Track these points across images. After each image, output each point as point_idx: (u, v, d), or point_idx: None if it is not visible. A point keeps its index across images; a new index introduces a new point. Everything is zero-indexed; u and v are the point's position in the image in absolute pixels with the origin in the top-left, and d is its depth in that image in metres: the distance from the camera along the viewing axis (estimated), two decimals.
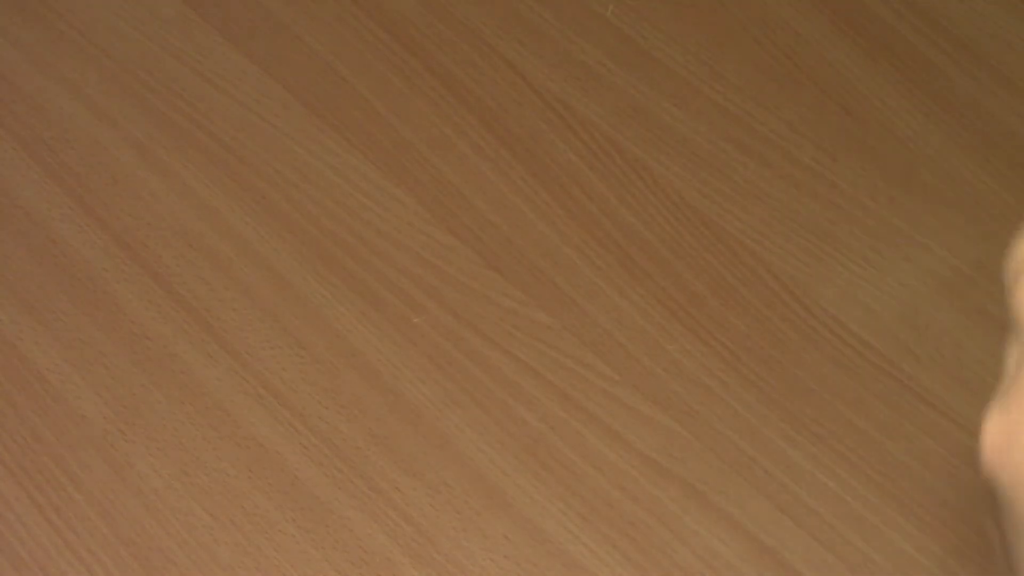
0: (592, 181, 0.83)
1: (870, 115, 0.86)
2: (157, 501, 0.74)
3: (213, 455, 0.75)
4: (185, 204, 0.82)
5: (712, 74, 0.87)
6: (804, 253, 0.82)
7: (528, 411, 0.77)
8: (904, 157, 0.85)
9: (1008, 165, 0.85)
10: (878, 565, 0.74)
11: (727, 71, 0.87)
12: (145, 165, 0.83)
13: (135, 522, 0.73)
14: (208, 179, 0.83)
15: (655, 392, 0.78)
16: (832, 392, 0.78)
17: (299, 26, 0.88)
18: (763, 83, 0.87)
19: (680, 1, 0.89)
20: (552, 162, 0.84)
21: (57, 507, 0.74)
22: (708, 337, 0.79)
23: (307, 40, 0.88)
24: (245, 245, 0.81)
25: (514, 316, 0.79)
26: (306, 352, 0.78)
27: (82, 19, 0.88)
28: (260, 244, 0.81)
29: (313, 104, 0.86)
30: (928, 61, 0.87)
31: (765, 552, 0.74)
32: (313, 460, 0.75)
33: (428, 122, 0.85)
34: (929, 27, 0.88)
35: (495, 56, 0.88)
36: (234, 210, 0.82)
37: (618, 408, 0.77)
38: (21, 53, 0.87)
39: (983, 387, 0.78)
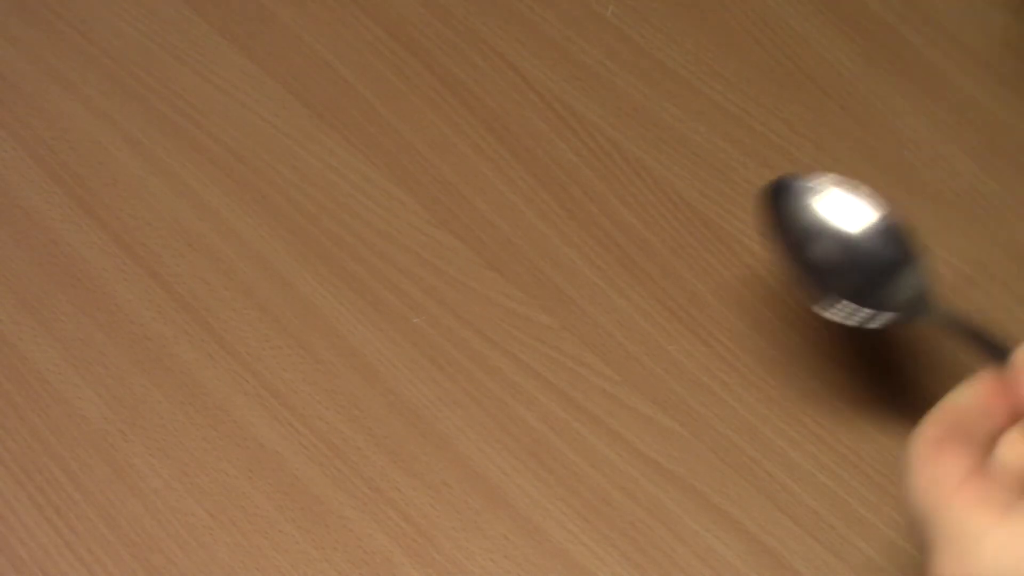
0: (592, 181, 0.83)
1: (870, 115, 0.86)
2: (157, 501, 0.74)
3: (213, 455, 0.75)
4: (185, 204, 0.82)
5: (712, 74, 0.87)
6: None
7: (528, 411, 0.77)
8: (904, 157, 0.85)
9: (1008, 165, 0.85)
10: (878, 565, 0.74)
11: (727, 71, 0.87)
12: (145, 165, 0.83)
13: (135, 522, 0.73)
14: (208, 179, 0.83)
15: (655, 392, 0.78)
16: (832, 392, 0.78)
17: (299, 26, 0.88)
18: (763, 83, 0.87)
19: (680, 1, 0.89)
20: (552, 162, 0.84)
21: (57, 507, 0.74)
22: (708, 337, 0.79)
23: (307, 40, 0.88)
24: (245, 245, 0.81)
25: (514, 316, 0.79)
26: (306, 352, 0.78)
27: (82, 19, 0.88)
28: (260, 244, 0.81)
29: (313, 104, 0.86)
30: (928, 61, 0.87)
31: (765, 552, 0.74)
32: (313, 460, 0.75)
33: (428, 122, 0.85)
34: (929, 27, 0.88)
35: (495, 56, 0.88)
36: (234, 210, 0.82)
37: (618, 408, 0.77)
38: (21, 53, 0.87)
39: None
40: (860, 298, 0.66)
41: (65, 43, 0.87)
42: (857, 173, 0.84)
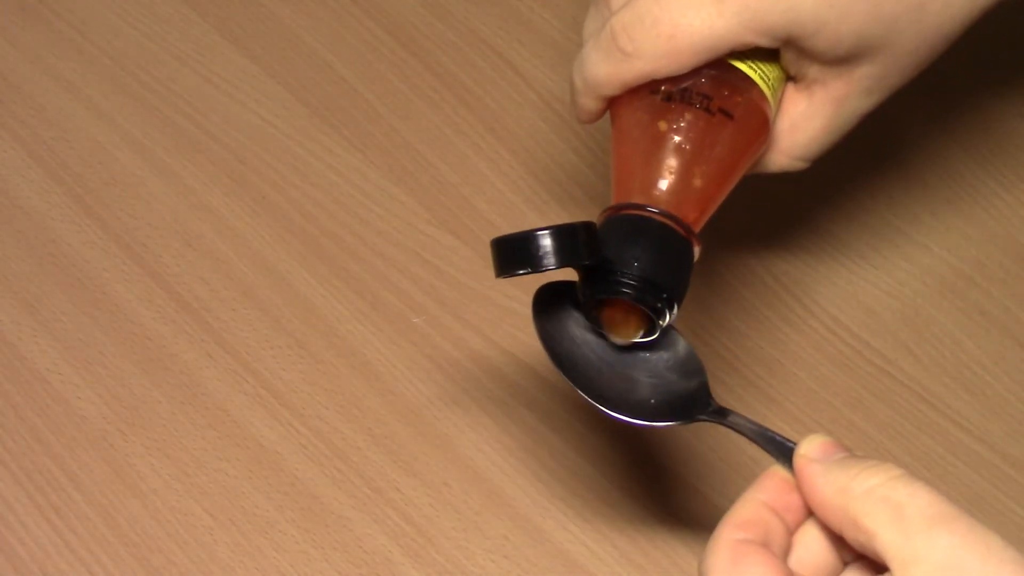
0: (591, 180, 0.83)
1: (869, 115, 0.86)
2: (157, 501, 0.74)
3: (213, 455, 0.75)
4: (185, 204, 0.82)
5: None
6: (804, 253, 0.82)
7: (528, 411, 0.77)
8: (904, 157, 0.85)
9: (1008, 165, 0.85)
10: None
11: None
12: (145, 165, 0.83)
13: (135, 522, 0.73)
14: (208, 179, 0.83)
15: None
16: (832, 392, 0.78)
17: (299, 26, 0.88)
18: None
19: None
20: (552, 162, 0.84)
21: (57, 507, 0.74)
22: (708, 337, 0.79)
23: (307, 40, 0.88)
24: (245, 245, 0.81)
25: (514, 316, 0.79)
26: (306, 352, 0.78)
27: (81, 18, 0.88)
28: (260, 244, 0.81)
29: (313, 104, 0.86)
30: None
31: None
32: (313, 460, 0.75)
33: (428, 122, 0.85)
34: None
35: (495, 56, 0.88)
36: (234, 210, 0.82)
37: None
38: (21, 53, 0.87)
39: (983, 387, 0.78)
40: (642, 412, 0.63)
41: (65, 43, 0.87)
42: (857, 172, 0.84)
